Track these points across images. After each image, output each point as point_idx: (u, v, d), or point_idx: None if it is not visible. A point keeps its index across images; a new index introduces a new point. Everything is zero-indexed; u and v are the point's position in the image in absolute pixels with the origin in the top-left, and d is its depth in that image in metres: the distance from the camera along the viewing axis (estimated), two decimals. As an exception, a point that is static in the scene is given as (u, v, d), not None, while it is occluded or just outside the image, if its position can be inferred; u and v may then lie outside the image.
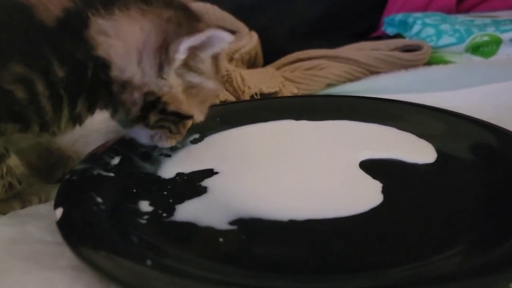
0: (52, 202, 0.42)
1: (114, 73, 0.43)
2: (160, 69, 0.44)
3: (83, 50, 0.42)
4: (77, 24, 0.42)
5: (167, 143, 0.50)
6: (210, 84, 0.48)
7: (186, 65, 0.45)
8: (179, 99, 0.46)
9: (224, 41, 0.44)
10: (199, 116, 0.49)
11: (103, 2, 0.43)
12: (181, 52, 0.43)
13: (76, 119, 0.46)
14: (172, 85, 0.45)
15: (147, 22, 0.43)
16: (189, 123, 0.50)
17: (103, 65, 0.43)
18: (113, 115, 0.48)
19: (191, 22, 0.45)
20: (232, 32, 0.45)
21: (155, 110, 0.46)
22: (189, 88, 0.47)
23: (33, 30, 0.41)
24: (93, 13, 0.43)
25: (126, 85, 0.44)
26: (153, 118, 0.46)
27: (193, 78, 0.46)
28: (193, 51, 0.44)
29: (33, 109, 0.42)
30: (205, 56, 0.46)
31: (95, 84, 0.44)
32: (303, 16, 1.05)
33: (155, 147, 0.52)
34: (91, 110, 0.46)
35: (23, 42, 0.41)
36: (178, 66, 0.44)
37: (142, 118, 0.46)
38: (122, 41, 0.43)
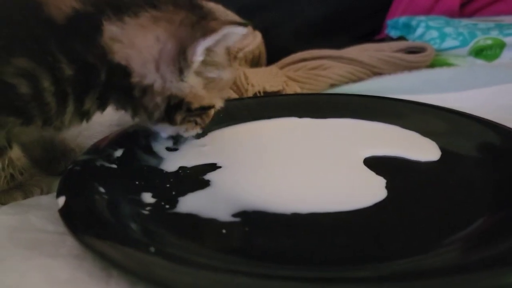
0: (54, 194, 0.42)
1: (135, 79, 0.43)
2: (180, 73, 0.44)
3: (95, 54, 0.42)
4: (89, 28, 0.42)
5: (192, 132, 0.51)
6: (227, 74, 0.49)
7: (203, 61, 0.45)
8: (201, 96, 0.47)
9: (239, 35, 0.45)
10: (219, 103, 0.50)
11: (114, 10, 0.43)
12: (198, 54, 0.43)
13: (84, 115, 0.46)
14: (192, 85, 0.45)
15: (161, 30, 0.43)
16: (212, 111, 0.51)
17: (122, 71, 0.43)
18: (133, 116, 0.48)
19: (204, 21, 0.44)
20: (245, 24, 0.44)
21: (181, 110, 0.46)
22: (209, 83, 0.47)
23: (41, 26, 0.41)
24: (106, 20, 0.42)
25: (147, 90, 0.44)
26: (179, 117, 0.47)
27: (211, 72, 0.47)
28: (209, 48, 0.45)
29: (36, 105, 0.42)
30: (220, 50, 0.46)
31: (109, 87, 0.44)
32: (307, 17, 1.05)
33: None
34: (101, 108, 0.47)
35: (29, 37, 0.41)
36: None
37: (167, 118, 0.47)
38: (137, 51, 0.43)
